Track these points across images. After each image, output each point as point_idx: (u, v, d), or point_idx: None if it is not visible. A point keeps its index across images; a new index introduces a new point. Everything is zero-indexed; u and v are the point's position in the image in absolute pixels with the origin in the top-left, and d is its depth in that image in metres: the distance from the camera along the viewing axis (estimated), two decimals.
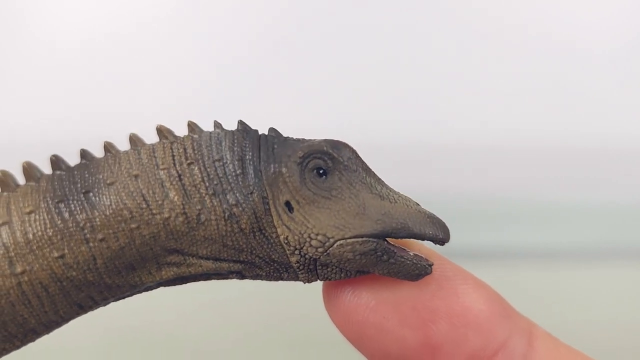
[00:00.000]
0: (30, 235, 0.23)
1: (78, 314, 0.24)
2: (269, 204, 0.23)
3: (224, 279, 0.25)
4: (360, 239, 0.23)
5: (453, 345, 0.24)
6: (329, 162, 0.24)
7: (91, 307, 0.24)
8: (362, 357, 0.26)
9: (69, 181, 0.24)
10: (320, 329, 0.35)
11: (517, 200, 0.63)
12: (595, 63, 0.63)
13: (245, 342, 0.56)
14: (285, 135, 0.25)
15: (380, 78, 0.62)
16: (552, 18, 0.64)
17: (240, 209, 0.23)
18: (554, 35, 0.63)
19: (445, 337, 0.24)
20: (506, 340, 0.24)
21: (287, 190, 0.23)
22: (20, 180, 0.24)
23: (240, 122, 0.25)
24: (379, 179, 0.25)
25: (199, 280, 0.25)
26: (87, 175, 0.24)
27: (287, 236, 0.23)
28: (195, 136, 0.24)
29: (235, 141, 0.24)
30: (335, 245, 0.23)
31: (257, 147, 0.24)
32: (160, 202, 0.23)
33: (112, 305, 0.25)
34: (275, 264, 0.24)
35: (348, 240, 0.23)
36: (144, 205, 0.23)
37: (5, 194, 0.24)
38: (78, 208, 0.23)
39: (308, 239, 0.23)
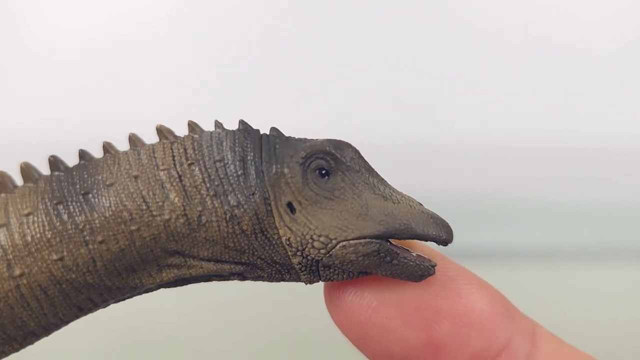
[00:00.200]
0: (29, 238, 0.23)
1: (77, 316, 0.24)
2: (270, 205, 0.23)
3: (225, 280, 0.25)
4: (363, 240, 0.23)
5: (456, 346, 0.24)
6: (332, 163, 0.24)
7: (91, 309, 0.24)
8: (364, 358, 0.25)
9: (68, 182, 0.23)
10: (321, 329, 0.35)
11: (517, 200, 0.63)
12: (595, 63, 0.63)
13: (246, 344, 0.56)
14: (286, 135, 0.24)
15: (380, 78, 0.62)
16: (552, 18, 0.64)
17: (242, 210, 0.23)
18: (554, 35, 0.63)
19: (448, 337, 0.24)
20: (509, 340, 0.24)
21: (289, 191, 0.23)
22: (18, 181, 0.24)
23: (242, 122, 0.24)
24: (382, 179, 0.24)
25: (199, 282, 0.25)
26: (86, 176, 0.23)
27: (289, 237, 0.23)
28: (196, 136, 0.24)
29: (237, 141, 0.24)
30: (337, 246, 0.23)
31: (258, 147, 0.24)
32: (160, 204, 0.23)
33: (112, 307, 0.25)
34: (277, 266, 0.24)
35: (351, 242, 0.23)
36: (144, 207, 0.23)
37: (2, 195, 0.24)
38: (77, 210, 0.23)
39: (310, 241, 0.23)
